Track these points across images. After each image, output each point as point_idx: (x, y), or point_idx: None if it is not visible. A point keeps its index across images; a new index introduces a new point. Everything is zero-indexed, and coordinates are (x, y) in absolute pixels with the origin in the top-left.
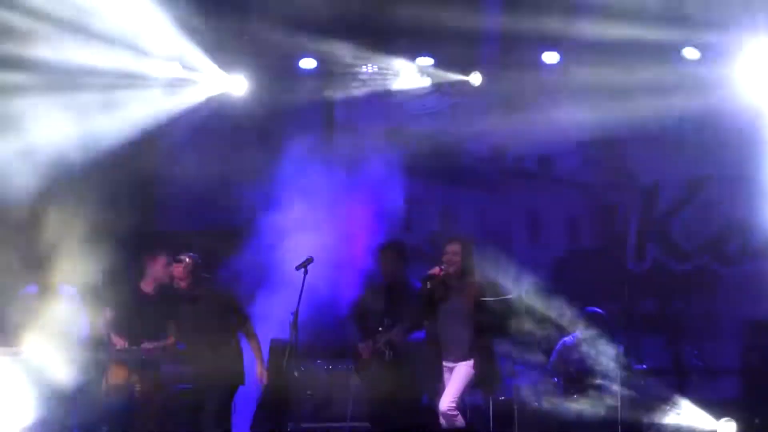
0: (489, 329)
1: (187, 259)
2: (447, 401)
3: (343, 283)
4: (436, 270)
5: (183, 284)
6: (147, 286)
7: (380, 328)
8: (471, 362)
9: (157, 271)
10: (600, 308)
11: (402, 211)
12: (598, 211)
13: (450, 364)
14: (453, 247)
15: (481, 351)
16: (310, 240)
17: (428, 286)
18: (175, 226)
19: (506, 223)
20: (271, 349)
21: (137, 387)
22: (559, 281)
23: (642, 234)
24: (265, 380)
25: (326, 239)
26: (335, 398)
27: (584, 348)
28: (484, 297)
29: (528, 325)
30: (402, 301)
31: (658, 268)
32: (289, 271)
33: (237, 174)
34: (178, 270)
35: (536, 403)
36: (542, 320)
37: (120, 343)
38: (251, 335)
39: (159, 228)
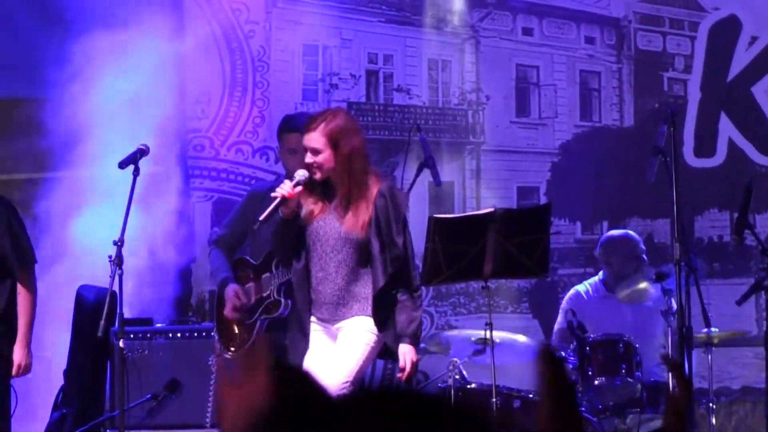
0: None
1: None
2: (337, 381)
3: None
4: (286, 190)
5: None
6: None
7: (273, 266)
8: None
9: None
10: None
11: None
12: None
13: (325, 327)
14: (305, 136)
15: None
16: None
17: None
18: None
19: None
20: (78, 305)
21: None
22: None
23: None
24: (23, 368)
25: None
26: (186, 389)
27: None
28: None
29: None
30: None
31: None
32: (107, 172)
33: None
34: None
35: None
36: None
37: None
38: (28, 284)
39: None
